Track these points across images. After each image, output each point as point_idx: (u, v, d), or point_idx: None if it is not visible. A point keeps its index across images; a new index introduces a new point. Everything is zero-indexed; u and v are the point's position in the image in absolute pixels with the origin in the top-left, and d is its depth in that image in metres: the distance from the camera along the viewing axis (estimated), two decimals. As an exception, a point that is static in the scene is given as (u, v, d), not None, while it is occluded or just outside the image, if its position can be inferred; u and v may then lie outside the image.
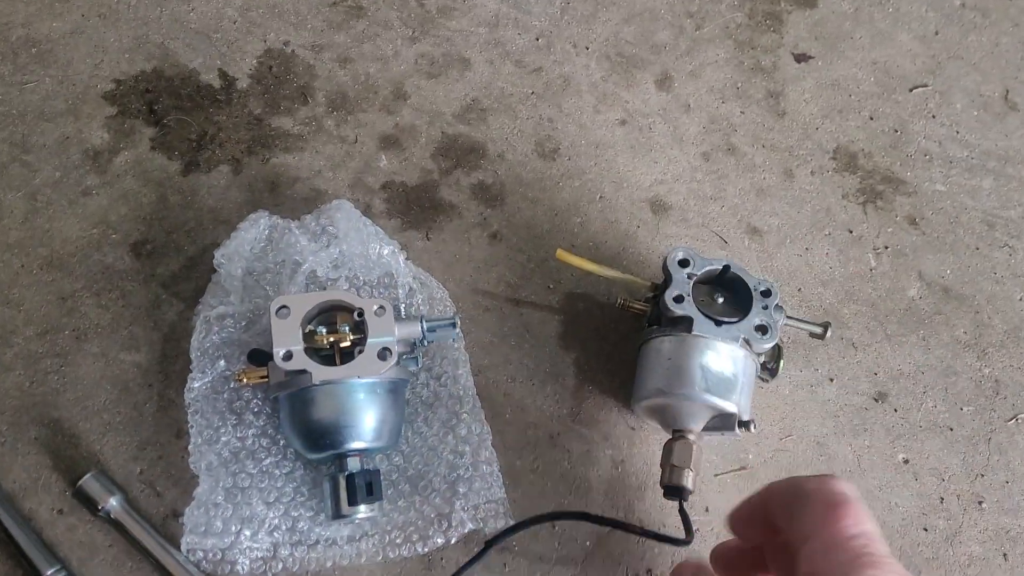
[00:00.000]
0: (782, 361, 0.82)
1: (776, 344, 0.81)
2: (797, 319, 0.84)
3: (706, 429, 0.77)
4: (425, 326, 0.72)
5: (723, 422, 0.76)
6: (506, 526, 0.74)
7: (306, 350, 0.69)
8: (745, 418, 0.76)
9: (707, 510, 0.80)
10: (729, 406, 0.74)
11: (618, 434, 0.82)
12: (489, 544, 0.73)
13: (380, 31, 0.99)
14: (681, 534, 0.73)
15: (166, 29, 0.95)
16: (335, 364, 0.69)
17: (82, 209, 0.84)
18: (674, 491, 0.74)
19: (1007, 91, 1.08)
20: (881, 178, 1.00)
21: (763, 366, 0.82)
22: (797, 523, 0.54)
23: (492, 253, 0.89)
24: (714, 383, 0.74)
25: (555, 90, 0.99)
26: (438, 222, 0.89)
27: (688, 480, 0.74)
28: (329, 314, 0.73)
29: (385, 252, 0.80)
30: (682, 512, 0.74)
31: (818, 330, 0.84)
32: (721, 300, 0.80)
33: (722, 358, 0.75)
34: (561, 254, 0.82)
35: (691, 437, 0.76)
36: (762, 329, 0.76)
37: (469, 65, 0.99)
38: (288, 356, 0.68)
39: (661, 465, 0.76)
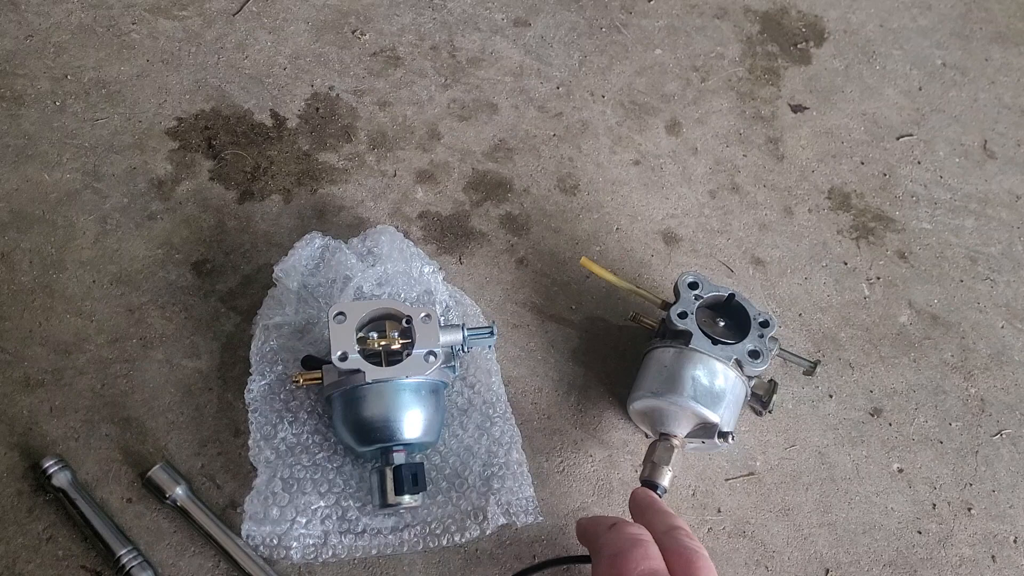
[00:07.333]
0: (775, 396, 0.88)
1: (772, 380, 0.88)
2: (791, 353, 0.92)
3: (689, 436, 0.84)
4: (466, 333, 0.80)
5: (705, 431, 0.83)
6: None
7: (359, 352, 0.76)
8: (725, 430, 0.82)
9: (719, 511, 0.87)
10: (712, 416, 0.81)
11: (637, 441, 0.89)
12: None
13: (416, 79, 1.09)
14: None
15: (223, 74, 1.05)
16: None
17: (148, 231, 0.92)
18: (650, 486, 0.80)
19: (985, 141, 1.19)
20: (872, 216, 1.09)
21: (758, 398, 0.88)
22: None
23: (519, 276, 0.97)
24: (702, 393, 0.81)
25: (574, 133, 1.09)
26: (470, 248, 0.98)
27: (665, 478, 0.80)
28: (379, 322, 0.80)
29: (426, 271, 0.88)
30: None
31: (808, 366, 0.92)
32: (722, 324, 0.88)
33: (713, 373, 0.82)
34: (585, 261, 0.90)
35: (675, 441, 0.82)
36: (754, 354, 0.83)
37: (496, 110, 1.09)
38: (344, 357, 0.75)
39: (643, 462, 0.83)
